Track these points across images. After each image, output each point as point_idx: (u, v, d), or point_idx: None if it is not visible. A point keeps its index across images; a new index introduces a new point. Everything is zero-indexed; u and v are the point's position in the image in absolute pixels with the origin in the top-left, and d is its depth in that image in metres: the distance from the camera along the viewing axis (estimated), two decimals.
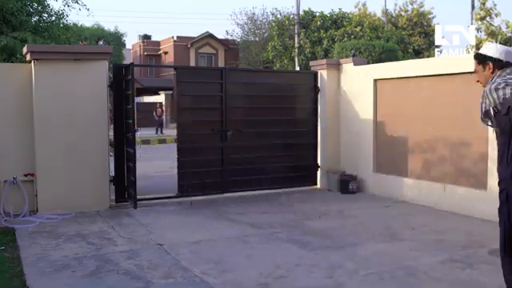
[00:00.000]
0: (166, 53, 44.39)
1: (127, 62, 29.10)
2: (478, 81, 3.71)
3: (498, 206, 3.43)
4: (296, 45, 23.53)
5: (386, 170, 8.46)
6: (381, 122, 8.60)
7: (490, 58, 3.55)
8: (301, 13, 24.31)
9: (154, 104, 32.25)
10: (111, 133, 8.07)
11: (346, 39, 21.72)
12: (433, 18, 33.92)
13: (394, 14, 34.24)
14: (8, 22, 13.02)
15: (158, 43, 46.27)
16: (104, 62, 7.45)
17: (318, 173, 9.32)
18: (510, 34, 18.36)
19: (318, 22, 23.86)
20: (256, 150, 8.63)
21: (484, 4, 18.61)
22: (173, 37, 43.12)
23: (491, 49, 3.61)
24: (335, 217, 7.06)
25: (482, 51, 3.65)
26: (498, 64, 3.50)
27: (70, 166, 7.21)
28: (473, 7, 21.51)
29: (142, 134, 20.10)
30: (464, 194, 7.08)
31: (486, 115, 3.43)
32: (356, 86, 9.03)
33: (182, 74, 8.53)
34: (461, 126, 7.21)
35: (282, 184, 8.93)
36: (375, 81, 8.63)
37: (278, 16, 30.12)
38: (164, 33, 60.61)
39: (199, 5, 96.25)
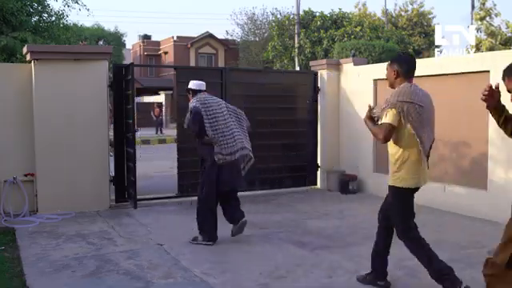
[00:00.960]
0: (166, 53, 44.37)
1: (127, 61, 29.08)
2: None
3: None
4: (296, 45, 23.51)
5: (386, 170, 8.41)
6: None
7: (189, 89, 5.84)
8: (301, 13, 24.29)
9: (153, 104, 32.21)
10: (111, 133, 8.07)
11: (346, 39, 21.71)
12: (433, 18, 33.96)
13: (394, 14, 34.24)
14: (8, 22, 13.01)
15: (158, 43, 46.24)
16: (104, 62, 7.45)
17: (318, 173, 9.32)
18: (509, 34, 18.37)
19: (318, 22, 23.83)
20: (256, 149, 8.59)
21: (484, 4, 18.62)
22: (173, 37, 43.09)
23: (190, 83, 5.85)
24: (335, 217, 7.06)
25: (189, 86, 5.86)
26: (194, 91, 5.78)
27: (70, 166, 7.21)
28: (473, 7, 21.53)
29: (141, 134, 20.09)
30: (464, 194, 7.08)
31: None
32: (356, 85, 9.03)
33: (182, 74, 8.53)
34: (461, 126, 7.22)
35: (282, 184, 8.93)
36: (375, 81, 8.62)
37: (278, 16, 30.08)
38: (164, 33, 60.66)
39: (199, 5, 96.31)
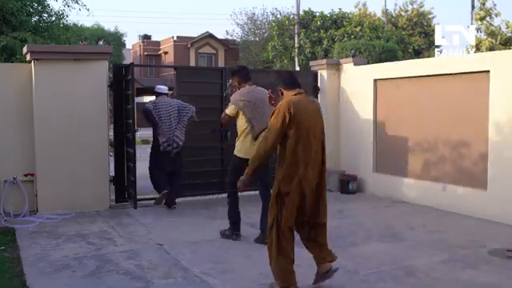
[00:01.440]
0: (166, 53, 44.35)
1: (127, 61, 29.07)
2: None
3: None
4: (296, 45, 23.51)
5: (386, 170, 8.46)
6: (381, 122, 8.60)
7: (155, 91, 7.71)
8: (301, 13, 24.28)
9: None
10: (111, 133, 8.07)
11: (346, 39, 21.70)
12: (433, 18, 33.87)
13: (394, 14, 34.19)
14: (8, 22, 12.99)
15: (158, 43, 46.23)
16: (104, 62, 7.45)
17: None
18: (510, 34, 18.35)
19: (318, 22, 23.83)
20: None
21: (484, 4, 18.58)
22: (173, 37, 43.09)
23: (156, 87, 7.70)
24: (335, 217, 7.04)
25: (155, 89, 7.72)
26: (157, 93, 7.59)
27: (70, 166, 7.21)
28: (473, 7, 21.51)
29: (141, 134, 20.04)
30: (464, 194, 7.09)
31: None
32: (356, 86, 9.03)
33: (182, 74, 8.53)
34: (461, 126, 7.22)
35: None
36: (375, 81, 8.63)
37: (278, 16, 30.06)
38: (164, 33, 60.55)
39: (199, 5, 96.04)
